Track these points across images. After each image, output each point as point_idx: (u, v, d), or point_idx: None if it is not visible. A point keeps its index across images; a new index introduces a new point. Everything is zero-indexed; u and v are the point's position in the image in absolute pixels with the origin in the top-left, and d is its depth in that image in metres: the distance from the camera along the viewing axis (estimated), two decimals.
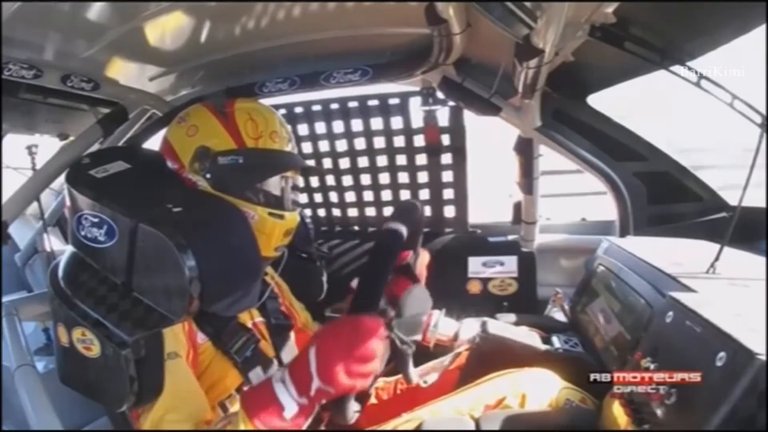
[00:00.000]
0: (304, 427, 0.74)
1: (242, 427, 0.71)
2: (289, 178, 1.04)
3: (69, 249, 0.91)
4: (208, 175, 0.96)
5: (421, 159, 1.75)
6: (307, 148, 1.82)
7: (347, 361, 0.68)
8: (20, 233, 2.26)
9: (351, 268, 1.91)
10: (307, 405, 0.71)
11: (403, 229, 0.82)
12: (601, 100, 1.44)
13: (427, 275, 1.09)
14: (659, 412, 0.67)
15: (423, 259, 1.08)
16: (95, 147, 1.36)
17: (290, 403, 0.70)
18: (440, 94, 1.46)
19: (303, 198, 1.98)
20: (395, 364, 0.97)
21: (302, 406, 0.71)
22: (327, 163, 1.86)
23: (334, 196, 1.93)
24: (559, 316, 1.37)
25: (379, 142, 1.75)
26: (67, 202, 0.91)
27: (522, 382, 1.00)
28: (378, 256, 0.82)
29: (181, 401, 0.81)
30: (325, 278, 1.39)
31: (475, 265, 1.77)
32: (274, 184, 1.01)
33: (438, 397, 1.05)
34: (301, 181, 1.92)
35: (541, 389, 0.98)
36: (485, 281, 1.76)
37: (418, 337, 1.01)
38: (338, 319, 0.77)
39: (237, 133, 0.97)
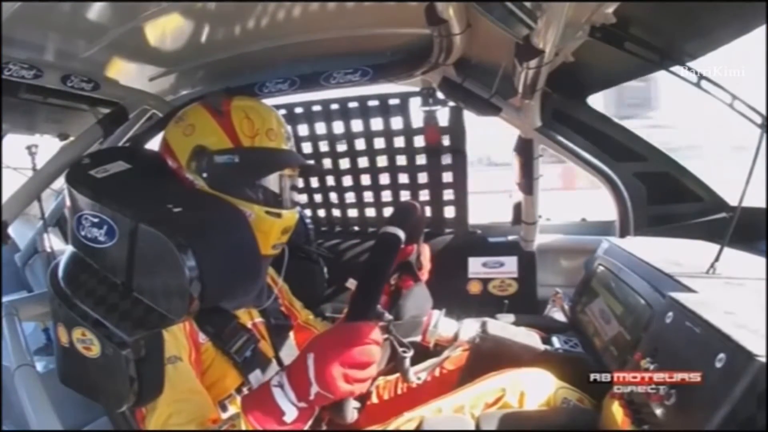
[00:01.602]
0: (306, 428, 0.74)
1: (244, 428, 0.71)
2: (287, 176, 1.04)
3: (69, 249, 0.91)
4: (205, 175, 0.97)
5: (421, 159, 1.75)
6: (307, 148, 1.82)
7: (345, 367, 0.69)
8: (20, 233, 2.26)
9: (351, 268, 1.91)
10: (307, 408, 0.72)
11: (401, 233, 0.82)
12: None
13: (430, 268, 1.10)
14: (659, 412, 0.67)
15: (426, 253, 1.09)
16: (95, 147, 1.36)
17: (290, 408, 0.71)
18: (440, 95, 1.46)
19: (303, 198, 1.98)
20: (394, 364, 0.98)
21: (302, 410, 0.71)
22: (327, 163, 1.86)
23: (334, 197, 1.93)
24: (559, 316, 1.37)
25: (379, 143, 1.75)
26: (67, 202, 0.91)
27: (521, 380, 1.00)
28: (375, 260, 0.82)
29: (185, 404, 0.81)
30: (325, 278, 1.39)
31: (475, 265, 1.77)
32: (271, 182, 1.01)
33: (438, 396, 1.05)
34: (300, 182, 1.95)
35: (540, 388, 0.98)
36: (485, 281, 1.76)
37: (417, 338, 1.01)
38: (335, 324, 0.77)
39: (233, 131, 0.97)
